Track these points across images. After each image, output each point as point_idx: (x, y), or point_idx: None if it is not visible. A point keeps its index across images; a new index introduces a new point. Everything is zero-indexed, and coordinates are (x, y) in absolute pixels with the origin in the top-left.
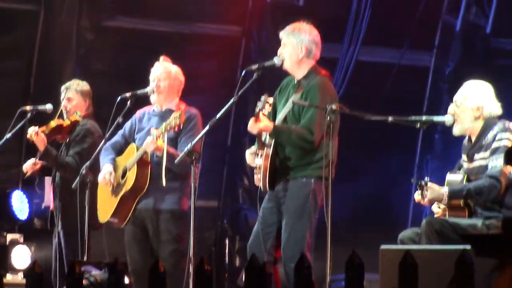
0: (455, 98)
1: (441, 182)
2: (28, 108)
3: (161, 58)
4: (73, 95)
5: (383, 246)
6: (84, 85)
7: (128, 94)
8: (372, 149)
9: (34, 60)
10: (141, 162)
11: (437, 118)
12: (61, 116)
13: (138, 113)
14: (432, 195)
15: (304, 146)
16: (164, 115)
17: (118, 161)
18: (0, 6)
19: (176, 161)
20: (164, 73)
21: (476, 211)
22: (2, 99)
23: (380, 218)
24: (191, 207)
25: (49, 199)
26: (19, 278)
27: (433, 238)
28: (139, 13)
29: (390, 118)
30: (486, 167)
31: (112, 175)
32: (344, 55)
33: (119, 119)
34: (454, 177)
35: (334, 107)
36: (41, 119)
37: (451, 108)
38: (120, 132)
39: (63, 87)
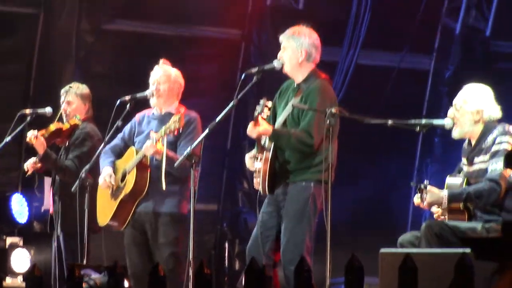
0: (454, 101)
1: (440, 186)
2: (27, 111)
3: (161, 61)
4: (73, 98)
5: (382, 250)
6: (83, 89)
7: (127, 97)
8: (372, 153)
9: (34, 63)
10: (141, 166)
11: (436, 122)
12: (60, 119)
13: (138, 116)
14: (432, 198)
15: (303, 150)
16: (163, 119)
17: (117, 164)
18: (0, 10)
19: (175, 164)
20: (163, 76)
21: (475, 214)
22: (1, 102)
23: (380, 221)
24: (190, 211)
25: (48, 203)
26: (19, 281)
27: (433, 242)
28: (139, 16)
29: (389, 122)
30: (486, 170)
31: (112, 177)
32: (343, 58)
33: (119, 123)
34: (454, 181)
35: (333, 110)
36: (40, 122)
37: (451, 111)
38: (120, 135)
39: (62, 91)
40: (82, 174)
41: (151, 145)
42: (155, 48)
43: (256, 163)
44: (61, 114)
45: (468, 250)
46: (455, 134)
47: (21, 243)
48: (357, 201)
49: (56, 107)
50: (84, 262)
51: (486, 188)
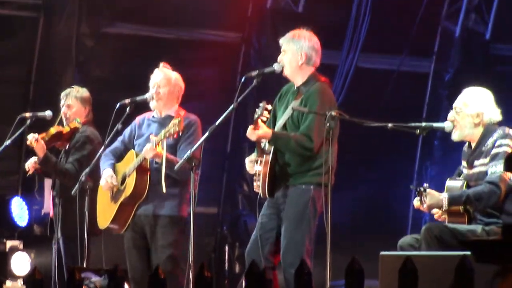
0: (454, 105)
1: (440, 188)
2: (27, 114)
3: (161, 64)
4: (73, 102)
5: (382, 252)
6: (83, 92)
7: (127, 101)
8: (372, 156)
9: (34, 67)
10: (141, 169)
11: (436, 125)
12: (60, 123)
13: (138, 119)
14: (431, 201)
15: (303, 153)
16: (163, 122)
17: (117, 167)
18: (0, 13)
19: (176, 167)
20: (164, 79)
21: (475, 217)
22: (1, 105)
23: (380, 224)
24: (190, 214)
25: (48, 206)
26: (19, 284)
27: (433, 244)
28: (139, 20)
29: (389, 125)
30: (485, 173)
31: (113, 178)
32: (343, 61)
33: (119, 126)
34: (454, 184)
35: (333, 113)
36: (40, 125)
37: (451, 114)
38: (120, 138)
39: (62, 94)
40: (82, 177)
41: (151, 148)
42: (155, 52)
43: (256, 166)
44: (61, 117)
45: (468, 252)
46: (455, 137)
47: (21, 247)
48: (357, 204)
49: (56, 110)
50: (84, 265)
51: (485, 191)
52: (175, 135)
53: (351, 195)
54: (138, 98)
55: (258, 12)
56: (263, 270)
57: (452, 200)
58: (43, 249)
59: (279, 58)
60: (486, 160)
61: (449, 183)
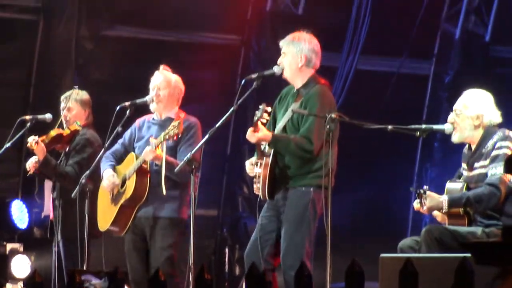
0: (455, 107)
1: (440, 190)
2: (27, 117)
3: (161, 67)
4: (73, 104)
5: (382, 254)
6: (83, 95)
7: (127, 103)
8: (372, 158)
9: (34, 70)
10: (141, 171)
11: (436, 127)
12: (60, 125)
13: (138, 121)
14: (431, 203)
15: (303, 155)
16: (163, 124)
17: (117, 169)
18: (0, 16)
19: (176, 170)
20: (164, 82)
21: (475, 219)
22: (2, 108)
23: (380, 226)
24: (190, 216)
25: (48, 208)
26: (19, 287)
27: (433, 246)
28: (138, 22)
29: (389, 127)
30: (485, 175)
31: (115, 177)
32: (343, 64)
33: (119, 128)
34: (454, 186)
35: (333, 115)
36: (40, 128)
37: (451, 116)
38: (120, 141)
39: (62, 97)
40: (82, 180)
41: (151, 150)
42: (155, 54)
43: (256, 168)
44: (61, 120)
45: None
46: (454, 138)
47: (21, 249)
48: (357, 206)
49: (56, 113)
50: (85, 267)
51: (485, 193)
52: (175, 137)
53: (351, 197)
54: (138, 100)
55: (257, 14)
56: (263, 272)
57: (452, 202)
58: (43, 252)
59: (279, 61)
60: (486, 162)
61: (449, 185)
